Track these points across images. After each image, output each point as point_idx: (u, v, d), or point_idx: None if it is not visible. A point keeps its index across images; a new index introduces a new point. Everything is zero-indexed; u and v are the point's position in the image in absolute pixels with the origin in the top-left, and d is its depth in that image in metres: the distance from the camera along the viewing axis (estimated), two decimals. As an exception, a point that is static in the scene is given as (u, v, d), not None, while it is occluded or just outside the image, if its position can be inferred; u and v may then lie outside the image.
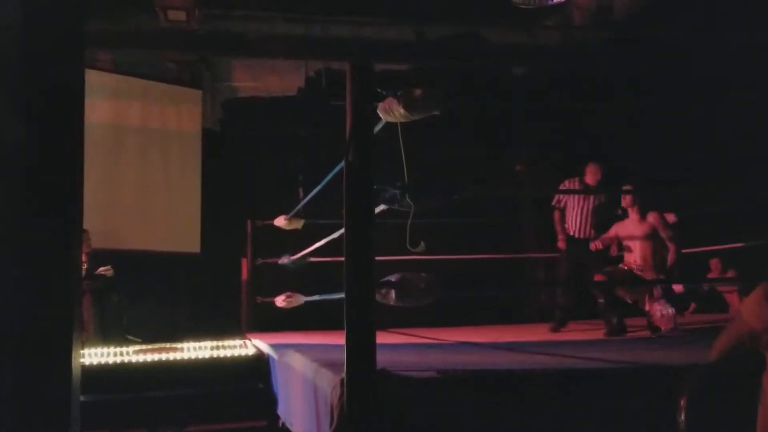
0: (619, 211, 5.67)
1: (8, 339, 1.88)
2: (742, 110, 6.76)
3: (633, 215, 5.44)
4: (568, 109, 8.39)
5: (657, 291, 5.35)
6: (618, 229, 5.59)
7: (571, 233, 5.84)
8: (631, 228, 5.46)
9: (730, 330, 2.09)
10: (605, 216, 5.84)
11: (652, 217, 5.36)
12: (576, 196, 5.81)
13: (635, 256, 5.42)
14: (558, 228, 5.91)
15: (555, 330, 5.82)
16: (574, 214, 5.85)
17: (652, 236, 5.37)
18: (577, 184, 5.86)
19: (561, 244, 5.88)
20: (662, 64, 7.52)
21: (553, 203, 5.97)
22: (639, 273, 5.37)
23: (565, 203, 5.91)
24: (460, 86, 8.21)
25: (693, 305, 7.66)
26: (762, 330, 1.94)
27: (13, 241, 1.92)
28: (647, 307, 5.40)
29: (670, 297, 5.55)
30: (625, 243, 5.52)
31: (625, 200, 5.48)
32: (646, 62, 7.58)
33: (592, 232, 5.80)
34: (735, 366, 1.99)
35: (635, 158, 6.34)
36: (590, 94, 8.21)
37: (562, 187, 5.95)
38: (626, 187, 5.77)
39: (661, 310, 5.35)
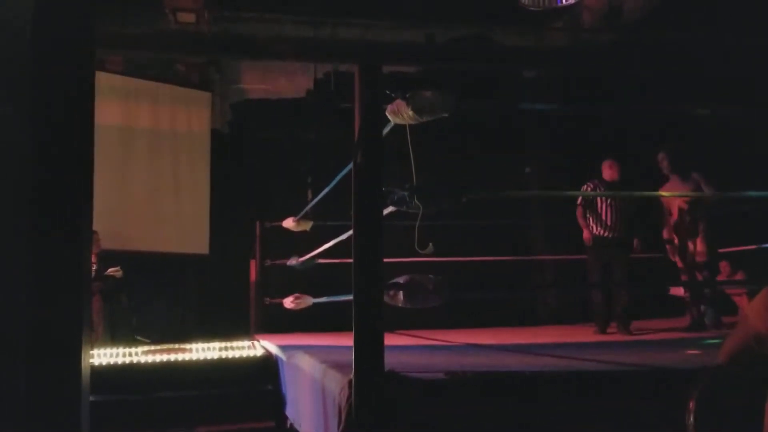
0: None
1: (20, 340, 1.89)
2: (750, 111, 6.74)
3: (675, 178, 5.80)
4: (577, 110, 8.36)
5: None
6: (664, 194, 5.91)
7: (602, 233, 5.80)
8: (677, 188, 5.79)
9: (736, 333, 2.08)
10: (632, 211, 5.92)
11: (695, 175, 5.75)
12: (601, 196, 5.82)
13: (689, 213, 5.77)
14: (581, 223, 5.86)
15: (601, 331, 5.74)
16: (603, 213, 5.82)
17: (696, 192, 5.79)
18: (597, 184, 5.84)
19: (587, 237, 5.84)
20: (671, 65, 7.49)
21: (578, 201, 5.93)
22: (692, 226, 5.81)
23: (591, 201, 5.87)
24: (468, 88, 8.20)
25: (703, 308, 7.61)
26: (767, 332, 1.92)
27: (23, 243, 1.93)
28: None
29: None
30: (670, 204, 5.86)
31: (663, 165, 5.82)
32: (656, 64, 7.56)
33: (622, 229, 5.79)
34: (743, 368, 1.98)
35: (644, 159, 6.31)
36: (599, 95, 8.19)
37: (584, 189, 5.88)
38: (661, 155, 5.91)
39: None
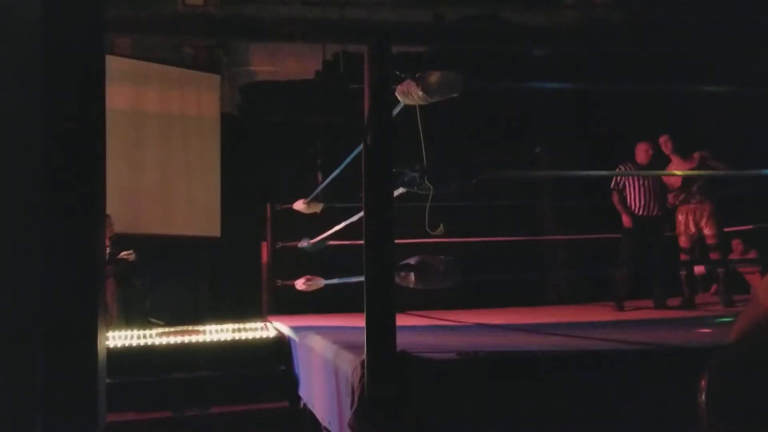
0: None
1: (36, 323, 1.91)
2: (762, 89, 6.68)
3: (676, 159, 5.89)
4: (587, 90, 8.30)
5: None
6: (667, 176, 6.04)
7: (637, 212, 5.94)
8: (679, 168, 5.92)
9: (747, 312, 2.07)
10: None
11: (696, 154, 5.83)
12: (636, 177, 5.95)
13: (694, 193, 5.90)
14: (620, 208, 5.99)
15: (620, 309, 5.85)
16: (637, 194, 5.96)
17: (699, 170, 5.91)
18: (630, 166, 5.98)
19: (626, 222, 5.96)
20: (684, 43, 7.41)
21: (612, 186, 6.07)
22: (699, 206, 5.92)
23: (624, 184, 6.00)
24: (479, 67, 8.15)
25: (714, 287, 7.59)
26: None
27: (38, 228, 1.95)
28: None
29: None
30: (673, 184, 6.01)
31: (667, 147, 5.90)
32: (668, 42, 7.47)
33: (657, 208, 5.95)
34: (755, 347, 1.97)
35: (656, 138, 6.30)
36: (610, 74, 8.11)
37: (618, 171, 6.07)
38: (664, 138, 6.01)
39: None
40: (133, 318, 6.66)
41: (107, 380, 2.09)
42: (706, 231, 5.90)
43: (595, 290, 6.87)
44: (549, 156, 8.86)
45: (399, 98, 2.62)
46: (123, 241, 6.70)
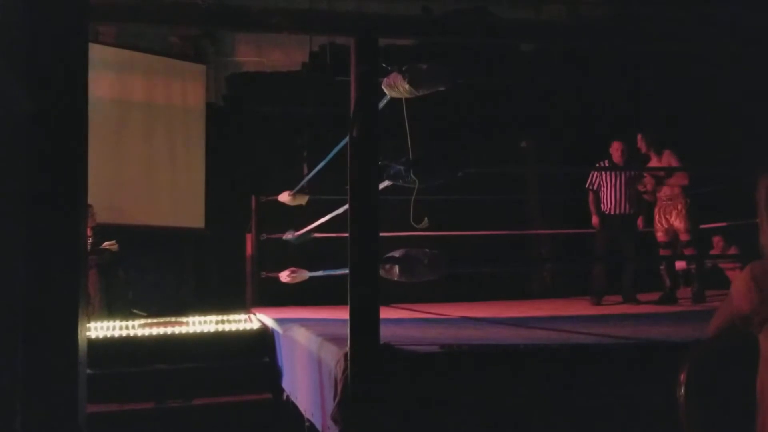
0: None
1: (16, 313, 1.90)
2: (743, 86, 6.78)
3: (653, 157, 6.01)
4: (574, 85, 8.33)
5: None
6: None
7: (608, 211, 6.09)
8: (654, 166, 6.07)
9: (722, 310, 2.10)
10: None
11: (666, 155, 5.95)
12: (609, 176, 6.09)
13: (664, 190, 6.01)
14: (592, 208, 6.15)
15: (597, 303, 5.95)
16: (609, 193, 6.10)
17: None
18: (606, 164, 6.15)
19: (595, 222, 6.13)
20: (671, 41, 7.44)
21: (587, 186, 6.21)
22: (669, 203, 5.98)
23: (598, 185, 6.15)
24: (466, 61, 8.15)
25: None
26: (750, 312, 1.94)
27: (18, 216, 1.93)
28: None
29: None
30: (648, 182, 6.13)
31: (642, 145, 6.01)
32: (656, 39, 7.50)
33: (629, 206, 6.08)
34: (733, 342, 2.00)
35: (640, 133, 6.34)
36: (596, 69, 8.15)
37: (594, 172, 6.21)
38: (638, 136, 6.08)
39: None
40: (115, 309, 6.62)
41: (89, 371, 2.08)
42: (678, 226, 5.96)
43: (579, 284, 6.92)
44: (535, 150, 8.89)
45: (385, 91, 2.62)
46: (106, 231, 6.65)
